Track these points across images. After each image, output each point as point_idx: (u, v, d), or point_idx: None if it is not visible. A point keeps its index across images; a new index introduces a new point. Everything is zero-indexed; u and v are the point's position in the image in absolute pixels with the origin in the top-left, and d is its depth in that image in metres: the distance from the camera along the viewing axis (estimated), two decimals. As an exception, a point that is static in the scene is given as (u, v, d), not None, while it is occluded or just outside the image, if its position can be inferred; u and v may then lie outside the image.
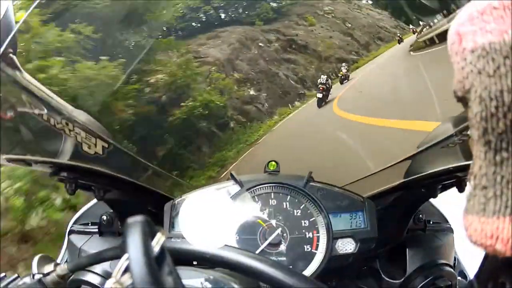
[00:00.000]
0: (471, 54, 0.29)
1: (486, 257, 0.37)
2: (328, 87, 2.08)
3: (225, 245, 0.48)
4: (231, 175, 0.96)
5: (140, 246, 0.37)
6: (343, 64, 2.24)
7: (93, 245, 0.98)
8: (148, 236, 0.39)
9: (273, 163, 0.99)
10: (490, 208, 0.29)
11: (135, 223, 0.39)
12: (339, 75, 2.15)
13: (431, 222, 1.07)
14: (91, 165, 0.84)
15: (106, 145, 0.86)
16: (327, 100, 2.04)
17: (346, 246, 0.92)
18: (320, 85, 2.09)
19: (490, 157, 0.29)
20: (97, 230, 1.01)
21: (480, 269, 0.38)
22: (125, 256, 0.37)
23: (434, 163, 0.86)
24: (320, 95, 2.04)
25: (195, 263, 0.59)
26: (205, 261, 0.49)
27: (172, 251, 0.44)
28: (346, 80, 2.12)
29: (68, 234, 1.03)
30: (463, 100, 0.30)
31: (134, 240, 0.37)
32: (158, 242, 0.39)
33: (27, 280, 0.56)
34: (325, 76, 2.15)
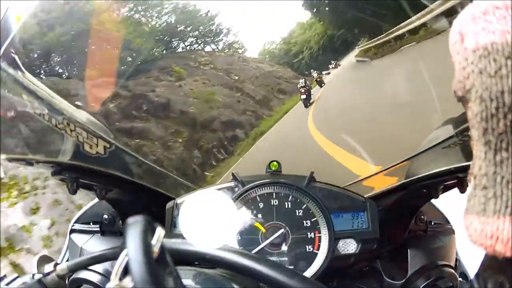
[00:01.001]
0: (473, 54, 0.28)
1: (486, 256, 0.37)
2: (308, 88, 2.06)
3: (225, 245, 0.48)
4: (233, 175, 0.96)
5: (140, 246, 0.37)
6: (312, 70, 2.10)
7: (94, 244, 0.98)
8: (148, 236, 0.39)
9: (275, 163, 0.99)
10: (490, 208, 0.29)
11: (135, 223, 0.39)
12: (314, 80, 2.08)
13: (432, 223, 1.06)
14: (93, 165, 0.84)
15: (108, 145, 0.86)
16: (311, 100, 2.04)
17: (348, 246, 0.92)
18: (301, 88, 2.06)
19: (490, 157, 0.29)
20: (98, 229, 1.01)
21: (480, 269, 0.37)
22: (124, 252, 0.37)
23: (436, 164, 0.85)
24: (304, 96, 2.04)
25: (195, 263, 0.59)
26: (205, 262, 0.49)
27: (172, 251, 0.43)
28: (323, 84, 2.08)
29: (70, 233, 1.03)
30: (463, 100, 0.30)
31: (134, 240, 0.37)
32: (157, 240, 0.39)
33: (27, 280, 0.55)
34: (303, 80, 2.09)
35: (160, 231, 0.40)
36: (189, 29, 2.07)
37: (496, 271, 0.35)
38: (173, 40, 2.02)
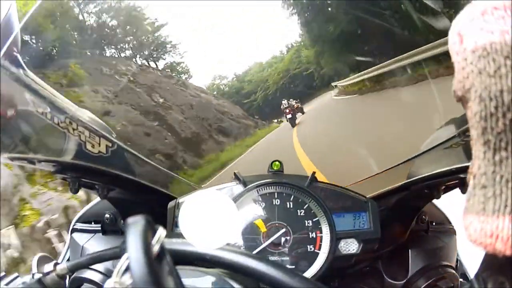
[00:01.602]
0: (472, 54, 0.28)
1: (486, 256, 0.37)
2: (293, 108, 1.97)
3: (225, 245, 0.48)
4: (235, 174, 0.96)
5: (140, 246, 0.36)
6: (290, 100, 1.96)
7: (95, 243, 0.98)
8: (149, 236, 0.38)
9: (277, 163, 0.98)
10: (489, 207, 0.28)
11: (136, 222, 0.38)
12: (295, 108, 1.98)
13: (433, 223, 1.06)
14: (95, 164, 0.83)
15: (110, 144, 0.85)
16: (297, 121, 1.98)
17: (349, 246, 0.91)
18: (285, 109, 1.97)
19: (489, 157, 0.28)
20: (100, 228, 1.00)
21: (480, 269, 0.37)
22: (125, 256, 0.36)
23: (438, 164, 0.85)
24: (290, 116, 1.95)
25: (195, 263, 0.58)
26: (205, 262, 0.48)
27: (172, 251, 0.43)
28: (304, 112, 2.01)
29: (71, 233, 1.02)
30: (463, 99, 0.30)
31: (134, 240, 0.36)
32: (158, 241, 0.39)
33: (27, 279, 0.55)
34: (285, 101, 1.99)
35: (160, 231, 0.40)
36: (128, 36, 1.61)
37: (496, 271, 0.35)
38: (102, 41, 1.56)
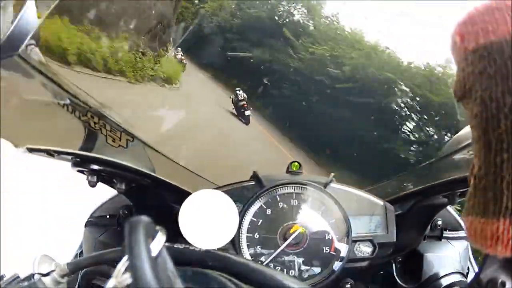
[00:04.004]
0: (472, 55, 0.27)
1: (486, 257, 0.36)
2: (248, 101, 1.61)
3: (226, 246, 0.43)
4: (254, 174, 0.91)
5: (140, 246, 0.34)
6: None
7: (109, 237, 0.92)
8: (149, 236, 0.36)
9: (296, 163, 0.93)
10: (490, 209, 0.27)
11: (136, 223, 0.36)
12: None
13: (447, 230, 0.99)
14: (114, 158, 0.78)
15: (131, 139, 0.81)
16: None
17: (364, 249, 0.87)
18: (241, 101, 1.60)
19: (490, 158, 0.27)
20: (114, 222, 0.95)
21: (481, 269, 0.36)
22: (125, 258, 0.34)
23: (454, 170, 0.80)
24: (248, 112, 1.61)
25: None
26: (206, 263, 0.46)
27: (173, 251, 0.41)
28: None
29: (85, 226, 0.97)
30: (463, 100, 0.29)
31: (135, 240, 0.34)
32: (158, 242, 0.37)
33: (27, 280, 0.50)
34: (241, 91, 1.59)
35: (161, 232, 0.38)
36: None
37: (496, 272, 0.33)
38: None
